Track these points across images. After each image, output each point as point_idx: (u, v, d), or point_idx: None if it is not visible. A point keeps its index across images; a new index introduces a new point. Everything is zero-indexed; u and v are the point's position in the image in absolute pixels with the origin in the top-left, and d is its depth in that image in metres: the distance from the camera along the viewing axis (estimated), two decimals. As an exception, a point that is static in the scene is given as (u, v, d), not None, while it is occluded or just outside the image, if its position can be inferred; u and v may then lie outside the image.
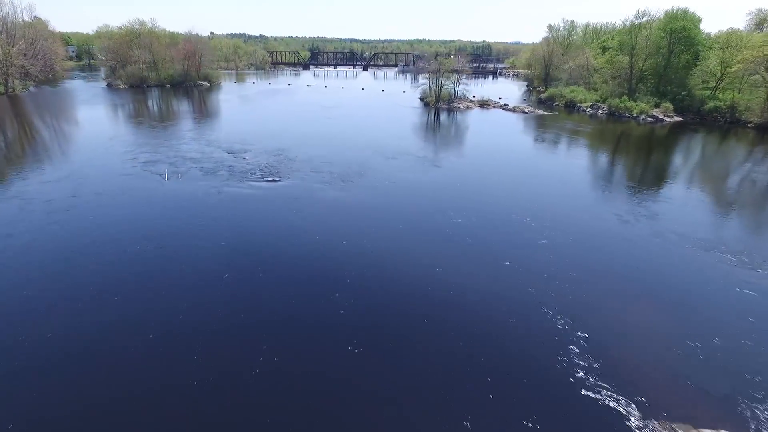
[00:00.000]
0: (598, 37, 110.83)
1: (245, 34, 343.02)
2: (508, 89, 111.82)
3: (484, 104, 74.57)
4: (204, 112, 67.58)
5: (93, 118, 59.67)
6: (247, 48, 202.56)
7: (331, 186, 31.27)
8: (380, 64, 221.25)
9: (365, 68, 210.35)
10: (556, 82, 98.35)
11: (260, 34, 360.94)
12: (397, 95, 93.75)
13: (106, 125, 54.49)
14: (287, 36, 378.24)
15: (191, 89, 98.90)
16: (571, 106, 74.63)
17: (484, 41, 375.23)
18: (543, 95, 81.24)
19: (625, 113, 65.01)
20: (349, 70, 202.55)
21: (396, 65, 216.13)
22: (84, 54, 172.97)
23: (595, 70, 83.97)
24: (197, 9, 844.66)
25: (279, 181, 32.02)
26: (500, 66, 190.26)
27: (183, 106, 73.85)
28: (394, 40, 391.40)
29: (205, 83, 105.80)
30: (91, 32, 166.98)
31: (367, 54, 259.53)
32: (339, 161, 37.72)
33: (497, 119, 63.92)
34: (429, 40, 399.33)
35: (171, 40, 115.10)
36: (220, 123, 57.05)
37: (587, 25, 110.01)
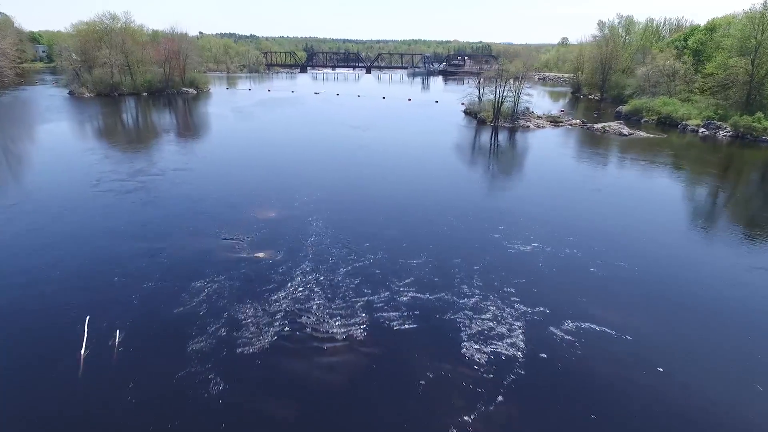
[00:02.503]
0: (659, 36, 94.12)
1: (235, 33, 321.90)
2: (541, 96, 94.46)
3: (555, 122, 57.20)
4: (186, 136, 49.33)
5: (21, 151, 41.37)
6: (238, 48, 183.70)
7: (460, 356, 13.51)
8: (384, 65, 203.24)
9: (368, 70, 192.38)
10: (615, 90, 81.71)
11: (251, 34, 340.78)
12: (429, 106, 76.04)
13: (29, 169, 36.24)
14: (279, 36, 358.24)
15: (174, 98, 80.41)
16: (667, 124, 57.53)
17: (481, 41, 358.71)
18: (624, 109, 63.87)
19: (763, 136, 47.97)
20: (350, 73, 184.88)
21: (402, 67, 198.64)
22: (56, 55, 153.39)
23: (679, 75, 67.01)
24: (183, 8, 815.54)
25: (337, 347, 14.16)
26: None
27: (159, 125, 55.53)
28: (389, 41, 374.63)
29: (191, 90, 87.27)
30: (63, 29, 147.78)
31: (364, 54, 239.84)
32: (430, 259, 19.93)
33: (596, 147, 46.58)
34: (425, 40, 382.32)
35: (152, 39, 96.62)
36: (208, 160, 38.90)
37: (649, 23, 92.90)
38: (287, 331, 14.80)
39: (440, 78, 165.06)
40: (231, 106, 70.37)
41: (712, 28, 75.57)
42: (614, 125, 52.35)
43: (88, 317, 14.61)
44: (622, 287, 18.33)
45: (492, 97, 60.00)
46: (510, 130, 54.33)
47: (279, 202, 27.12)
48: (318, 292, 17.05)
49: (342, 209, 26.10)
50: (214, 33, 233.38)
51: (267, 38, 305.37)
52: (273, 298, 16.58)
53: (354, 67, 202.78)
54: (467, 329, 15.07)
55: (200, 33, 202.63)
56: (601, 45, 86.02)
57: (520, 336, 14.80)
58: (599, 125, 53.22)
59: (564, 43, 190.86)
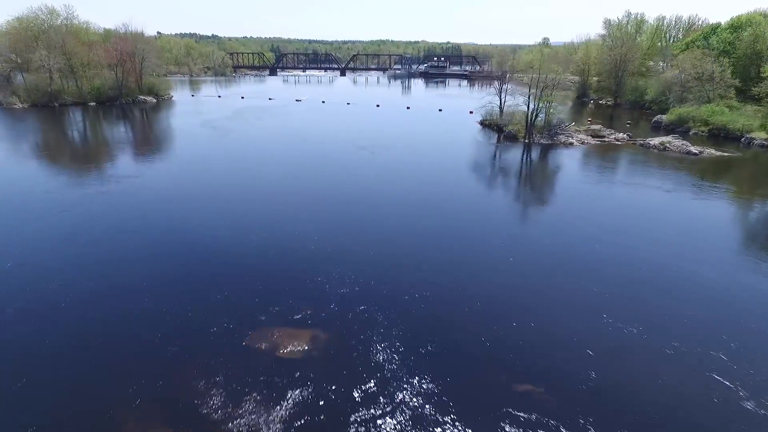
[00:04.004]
0: (666, 36, 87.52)
1: (196, 34, 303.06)
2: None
3: (597, 136, 48.22)
4: (145, 165, 37.35)
5: None
6: (201, 49, 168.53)
7: None
8: (360, 67, 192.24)
9: (342, 72, 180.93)
10: (633, 94, 74.16)
11: (213, 34, 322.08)
12: (432, 115, 65.92)
13: None
14: (242, 36, 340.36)
15: (129, 109, 67.27)
16: (721, 136, 49.45)
17: (449, 42, 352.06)
18: (664, 118, 55.63)
19: None
20: (323, 75, 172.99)
21: (379, 68, 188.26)
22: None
23: (716, 79, 59.38)
24: (135, 6, 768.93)
25: None
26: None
27: (108, 149, 42.99)
28: (357, 41, 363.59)
29: (150, 99, 74.05)
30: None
31: (333, 55, 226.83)
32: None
33: (674, 172, 37.46)
34: (393, 41, 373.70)
35: (104, 39, 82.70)
36: (177, 211, 27.34)
37: (660, 21, 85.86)
38: None
39: (421, 80, 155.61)
40: (201, 119, 58.05)
41: (738, 26, 69.00)
42: (674, 141, 43.61)
43: None
44: None
45: (511, 106, 51.31)
46: (547, 147, 44.88)
47: (304, 298, 16.30)
48: None
49: (418, 314, 15.49)
50: (172, 33, 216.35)
51: (230, 39, 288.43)
52: None
53: (326, 69, 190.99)
54: None
55: (158, 33, 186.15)
56: (612, 46, 78.34)
57: None
58: (655, 141, 44.39)
59: (546, 43, 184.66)
